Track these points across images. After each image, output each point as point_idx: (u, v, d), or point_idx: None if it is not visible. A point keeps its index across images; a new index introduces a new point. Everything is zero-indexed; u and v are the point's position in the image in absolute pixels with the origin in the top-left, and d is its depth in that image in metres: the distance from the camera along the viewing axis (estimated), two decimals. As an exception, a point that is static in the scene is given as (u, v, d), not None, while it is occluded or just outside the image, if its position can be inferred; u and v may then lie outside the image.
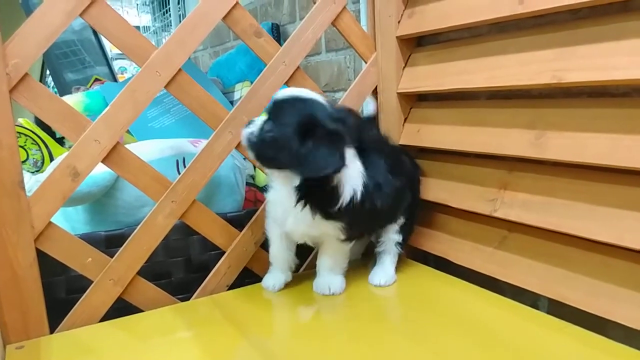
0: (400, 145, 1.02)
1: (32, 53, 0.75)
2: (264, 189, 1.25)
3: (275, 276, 0.89)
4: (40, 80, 1.70)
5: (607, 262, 0.69)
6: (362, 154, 0.79)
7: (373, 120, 1.05)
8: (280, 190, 0.79)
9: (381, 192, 0.80)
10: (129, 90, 0.82)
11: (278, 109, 0.75)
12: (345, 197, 0.75)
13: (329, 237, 0.82)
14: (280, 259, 0.88)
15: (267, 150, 0.75)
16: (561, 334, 0.69)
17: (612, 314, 0.67)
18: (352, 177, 0.76)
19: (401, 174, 0.88)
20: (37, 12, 0.75)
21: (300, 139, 0.71)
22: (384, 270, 0.91)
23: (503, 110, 0.82)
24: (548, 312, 0.77)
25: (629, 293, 0.66)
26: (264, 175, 1.26)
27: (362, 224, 0.83)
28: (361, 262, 0.98)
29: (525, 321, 0.74)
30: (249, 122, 0.78)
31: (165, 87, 0.85)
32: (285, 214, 0.80)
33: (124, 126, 0.82)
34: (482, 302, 0.81)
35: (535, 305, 0.82)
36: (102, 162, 0.81)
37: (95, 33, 2.27)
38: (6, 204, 0.75)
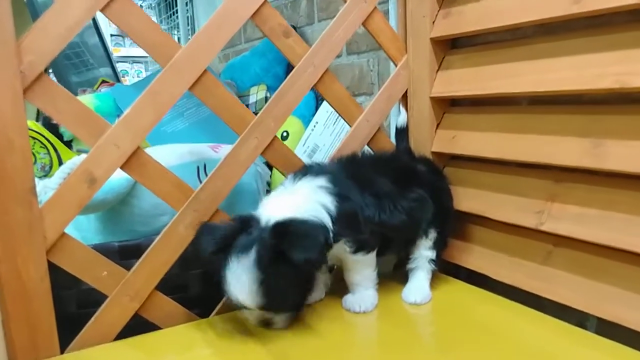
0: (433, 152, 0.96)
1: (49, 50, 0.70)
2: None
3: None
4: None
5: (672, 282, 0.64)
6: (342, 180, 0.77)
7: (403, 132, 1.00)
8: None
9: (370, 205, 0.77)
10: (151, 92, 0.77)
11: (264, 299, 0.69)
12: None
13: (346, 252, 0.78)
14: None
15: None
16: (612, 356, 0.64)
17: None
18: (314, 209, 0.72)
19: (418, 185, 0.84)
20: (54, 6, 0.70)
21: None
22: (419, 287, 0.85)
23: (551, 116, 0.77)
24: (596, 333, 0.72)
25: (698, 316, 0.61)
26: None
27: (367, 237, 0.78)
28: (393, 277, 0.92)
29: (572, 342, 0.69)
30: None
31: (190, 88, 0.79)
32: None
33: (145, 130, 0.76)
34: (524, 321, 0.75)
35: (582, 325, 0.77)
36: (121, 168, 0.76)
37: (99, 35, 2.22)
38: (17, 212, 0.69)
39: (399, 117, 1.00)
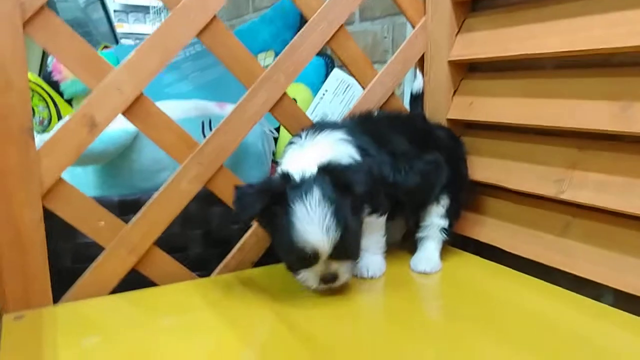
0: (448, 119, 0.93)
1: (52, -19, 0.66)
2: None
3: None
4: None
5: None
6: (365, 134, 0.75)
7: (418, 98, 0.96)
8: None
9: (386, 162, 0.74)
10: (157, 36, 0.73)
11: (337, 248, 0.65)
12: None
13: None
14: None
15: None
16: (629, 328, 0.61)
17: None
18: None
19: (434, 148, 0.81)
20: None
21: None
22: (428, 256, 0.82)
23: (577, 80, 0.73)
24: (613, 306, 0.69)
25: None
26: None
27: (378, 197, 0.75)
28: (401, 248, 0.88)
29: (588, 315, 0.66)
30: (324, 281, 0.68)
31: (198, 35, 0.76)
32: None
33: (149, 75, 0.73)
34: (537, 294, 0.72)
35: (598, 299, 0.74)
36: (124, 114, 0.72)
37: (105, 10, 2.19)
38: (13, 153, 0.66)
39: (415, 83, 0.96)
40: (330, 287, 0.68)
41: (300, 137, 0.74)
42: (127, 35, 4.68)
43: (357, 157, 0.70)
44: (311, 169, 0.66)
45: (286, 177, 0.67)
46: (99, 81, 0.70)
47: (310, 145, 0.72)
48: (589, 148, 0.73)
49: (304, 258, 0.65)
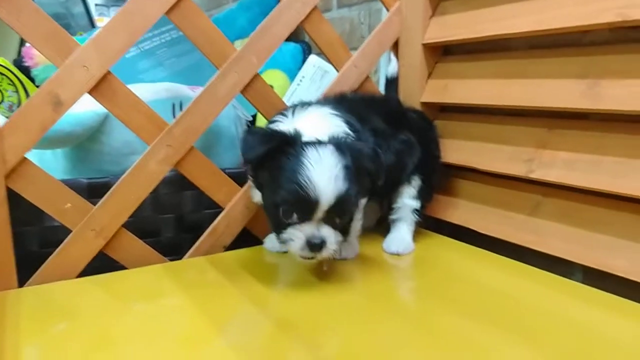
0: (423, 102, 0.93)
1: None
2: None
3: None
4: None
5: (664, 227, 0.61)
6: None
7: (393, 82, 0.96)
8: None
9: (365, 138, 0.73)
10: (125, 13, 0.72)
11: (338, 205, 0.62)
12: None
13: None
14: None
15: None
16: (600, 304, 0.62)
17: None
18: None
19: (407, 129, 0.80)
20: None
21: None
22: (401, 237, 0.82)
23: (548, 60, 0.74)
24: (583, 283, 0.69)
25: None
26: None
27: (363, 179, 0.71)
28: (375, 231, 0.88)
29: (559, 292, 0.66)
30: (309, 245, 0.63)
31: (167, 13, 0.74)
32: None
33: (117, 53, 0.71)
34: (509, 273, 0.73)
35: (568, 277, 0.74)
36: (90, 93, 0.71)
37: (84, 3, 2.17)
38: (-26, 130, 0.64)
39: (389, 66, 0.96)
40: (314, 256, 0.64)
41: (287, 114, 0.72)
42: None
43: (349, 131, 0.69)
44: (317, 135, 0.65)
45: (297, 131, 0.64)
46: (64, 58, 0.68)
47: (303, 118, 0.70)
48: (558, 127, 0.73)
49: (301, 205, 0.61)
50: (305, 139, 0.64)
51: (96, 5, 4.52)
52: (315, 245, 0.62)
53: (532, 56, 0.77)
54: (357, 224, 0.77)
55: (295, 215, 0.63)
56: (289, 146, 0.63)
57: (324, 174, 0.60)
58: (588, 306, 0.62)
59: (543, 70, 0.73)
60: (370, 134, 0.74)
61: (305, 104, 0.74)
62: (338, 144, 0.64)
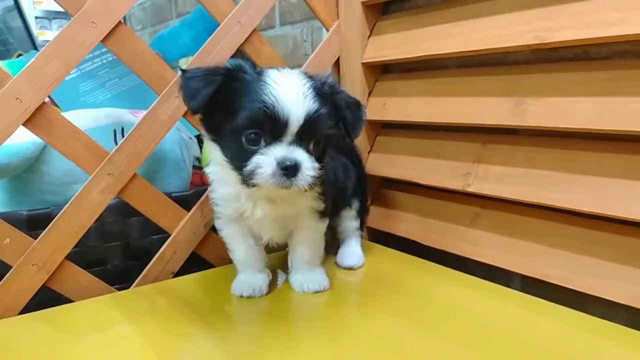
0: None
1: None
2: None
3: (255, 278, 0.72)
4: None
5: (590, 235, 0.66)
6: None
7: None
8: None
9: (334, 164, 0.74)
10: (59, 41, 0.70)
11: (311, 125, 0.57)
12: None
13: (304, 216, 0.70)
14: (253, 258, 0.73)
15: (324, 166, 0.61)
16: (537, 311, 0.65)
17: (595, 289, 0.64)
18: None
19: (340, 151, 0.81)
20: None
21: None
22: (352, 251, 0.84)
23: (477, 78, 0.78)
24: (521, 291, 0.73)
25: (612, 266, 0.63)
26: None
27: (332, 194, 0.73)
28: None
29: (499, 301, 0.69)
30: (282, 168, 0.56)
31: (103, 41, 0.73)
32: (251, 205, 0.67)
33: (52, 83, 0.70)
34: (451, 284, 0.75)
35: (508, 286, 0.78)
36: (25, 124, 0.69)
37: (22, 18, 2.10)
38: None
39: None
40: (289, 184, 0.56)
41: None
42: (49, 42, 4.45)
43: None
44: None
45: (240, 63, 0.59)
46: (-5, 91, 0.67)
47: None
48: (491, 142, 0.77)
49: (269, 124, 0.55)
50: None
51: (36, 18, 4.36)
52: (289, 168, 0.55)
53: (462, 75, 0.81)
54: (321, 250, 0.75)
55: (262, 140, 0.56)
56: (241, 73, 0.58)
57: (291, 90, 0.55)
58: (525, 312, 0.65)
59: (473, 88, 0.77)
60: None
61: None
62: (312, 78, 0.59)
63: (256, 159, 0.56)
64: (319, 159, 0.59)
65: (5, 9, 2.04)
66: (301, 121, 0.55)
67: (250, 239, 0.72)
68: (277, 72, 0.58)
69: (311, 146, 0.58)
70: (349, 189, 0.82)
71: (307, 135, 0.56)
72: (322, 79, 0.61)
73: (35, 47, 2.03)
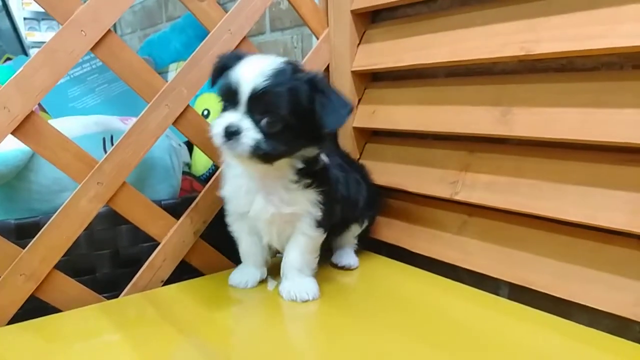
0: (354, 127, 0.96)
1: None
2: (201, 179, 1.15)
3: (249, 272, 0.79)
4: None
5: (575, 244, 0.67)
6: None
7: None
8: (240, 179, 0.73)
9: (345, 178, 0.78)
10: (47, 50, 0.70)
11: (261, 98, 0.63)
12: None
13: (301, 221, 0.72)
14: (253, 253, 0.79)
15: (280, 146, 0.65)
16: (524, 319, 0.66)
17: (580, 297, 0.65)
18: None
19: (352, 166, 0.85)
20: None
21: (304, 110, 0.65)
22: (348, 254, 0.86)
23: (465, 87, 0.78)
24: (509, 299, 0.74)
25: (597, 274, 0.64)
26: (201, 164, 1.16)
27: (335, 207, 0.75)
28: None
29: (487, 308, 0.70)
30: (226, 130, 0.63)
31: (92, 49, 0.73)
32: (249, 202, 0.72)
33: (40, 92, 0.70)
34: (439, 291, 0.76)
35: (496, 293, 0.79)
36: (13, 134, 0.69)
37: (10, 19, 2.08)
38: None
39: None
40: (230, 146, 0.63)
41: None
42: (39, 44, 4.40)
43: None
44: None
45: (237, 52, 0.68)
46: (-18, 100, 0.66)
47: None
48: (478, 151, 0.78)
49: (226, 93, 0.65)
50: None
51: (25, 19, 4.32)
52: (229, 132, 0.63)
53: (450, 84, 0.81)
54: (314, 261, 0.76)
55: (227, 109, 0.65)
56: (235, 60, 0.66)
57: (249, 69, 0.64)
58: (512, 320, 0.66)
59: (461, 97, 0.78)
60: (339, 168, 0.77)
61: None
62: (295, 68, 0.66)
63: (214, 122, 0.65)
64: (274, 135, 0.64)
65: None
66: (253, 92, 0.63)
67: (255, 236, 0.77)
68: (254, 57, 0.67)
69: (264, 121, 0.64)
70: (360, 203, 0.83)
71: (257, 108, 0.64)
72: (310, 73, 0.67)
73: (24, 49, 2.01)
